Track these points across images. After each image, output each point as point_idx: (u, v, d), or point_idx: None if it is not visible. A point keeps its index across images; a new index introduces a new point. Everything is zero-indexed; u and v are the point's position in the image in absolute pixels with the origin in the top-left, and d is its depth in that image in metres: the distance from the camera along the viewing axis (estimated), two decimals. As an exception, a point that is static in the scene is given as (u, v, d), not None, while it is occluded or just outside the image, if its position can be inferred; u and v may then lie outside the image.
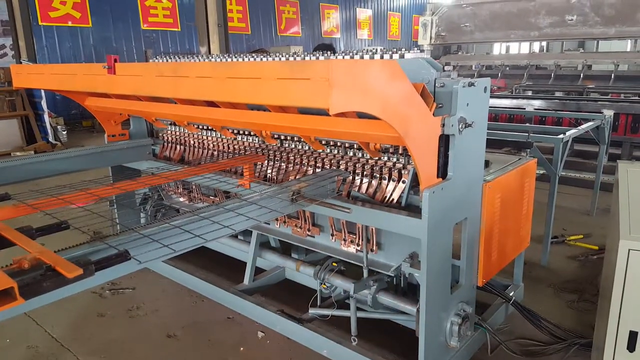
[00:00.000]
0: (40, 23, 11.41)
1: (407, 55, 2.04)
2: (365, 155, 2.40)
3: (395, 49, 2.09)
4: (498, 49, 15.53)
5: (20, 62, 10.06)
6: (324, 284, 2.69)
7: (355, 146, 2.45)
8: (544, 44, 14.20)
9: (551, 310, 2.96)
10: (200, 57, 2.99)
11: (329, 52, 2.41)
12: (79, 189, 2.15)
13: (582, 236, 4.13)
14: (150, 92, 2.25)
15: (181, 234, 1.57)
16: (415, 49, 2.28)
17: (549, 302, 3.11)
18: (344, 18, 19.45)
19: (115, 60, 2.22)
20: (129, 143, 3.42)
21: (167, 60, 2.96)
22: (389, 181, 2.29)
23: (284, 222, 2.87)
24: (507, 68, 9.37)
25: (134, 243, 1.46)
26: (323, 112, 2.05)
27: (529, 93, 7.79)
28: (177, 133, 3.41)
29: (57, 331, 2.92)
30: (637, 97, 6.91)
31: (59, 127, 9.43)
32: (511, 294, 2.84)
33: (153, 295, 3.32)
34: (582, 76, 8.38)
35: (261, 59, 2.47)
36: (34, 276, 1.15)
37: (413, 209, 2.17)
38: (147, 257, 1.44)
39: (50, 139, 9.04)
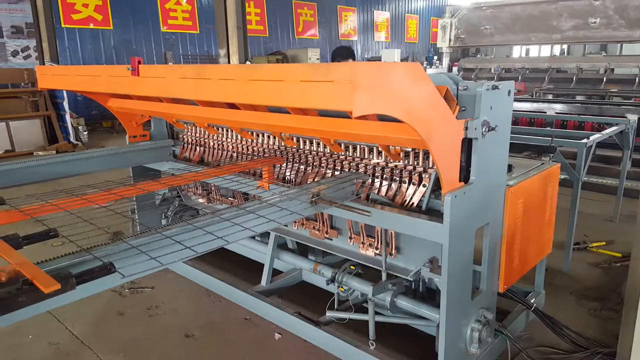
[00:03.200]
0: (63, 25, 11.64)
1: (429, 71, 2.02)
2: (385, 158, 2.39)
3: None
4: (518, 51, 15.35)
5: (44, 64, 10.27)
6: (342, 287, 2.68)
7: (375, 149, 2.43)
8: (565, 46, 14.00)
9: (573, 318, 2.90)
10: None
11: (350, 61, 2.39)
12: (102, 189, 2.18)
13: (604, 243, 4.05)
14: (173, 93, 2.28)
15: (203, 235, 1.57)
16: (437, 62, 2.26)
17: (571, 310, 3.05)
18: (362, 20, 19.43)
19: (139, 62, 2.25)
20: (150, 144, 3.46)
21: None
22: (409, 184, 2.27)
23: (302, 224, 2.87)
24: (528, 71, 9.25)
25: (157, 244, 1.47)
26: (344, 115, 2.05)
27: (550, 97, 7.68)
28: (197, 134, 3.43)
29: (78, 328, 2.96)
30: (662, 102, 6.76)
31: (80, 127, 9.61)
32: (532, 301, 2.78)
33: (172, 294, 3.35)
34: (604, 80, 8.23)
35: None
36: (9, 290, 1.08)
37: (434, 213, 2.15)
38: (167, 259, 1.43)
39: (72, 139, 9.21)
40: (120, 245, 1.44)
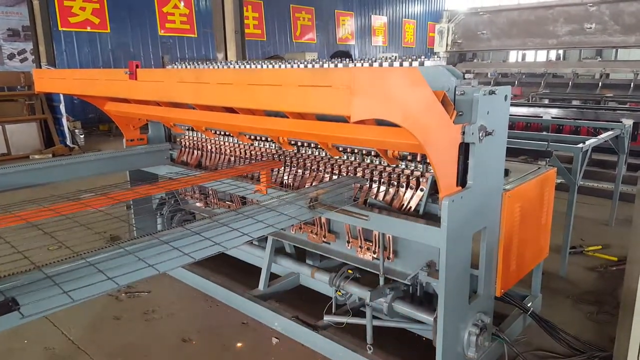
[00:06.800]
0: (60, 28, 11.63)
1: (427, 63, 2.03)
2: (382, 162, 2.39)
3: (415, 56, 2.08)
4: (514, 56, 15.41)
5: (40, 67, 10.24)
6: (339, 291, 2.67)
7: (372, 153, 2.44)
8: (561, 52, 14.05)
9: (570, 322, 2.91)
10: (218, 64, 3.02)
11: (347, 60, 2.41)
12: (99, 192, 2.18)
13: (600, 247, 4.06)
14: (171, 97, 2.27)
15: (201, 241, 1.57)
16: (435, 56, 2.27)
17: (568, 314, 3.06)
18: (359, 25, 19.49)
19: (137, 66, 2.25)
20: (147, 148, 3.45)
21: (186, 67, 2.99)
22: (406, 189, 2.27)
23: (300, 228, 2.87)
24: (524, 76, 9.28)
25: (155, 250, 1.47)
26: (342, 119, 2.06)
27: (546, 101, 7.70)
28: (195, 138, 3.43)
29: (74, 333, 2.95)
30: (657, 107, 6.78)
31: (76, 130, 9.57)
32: (529, 305, 2.80)
33: (168, 299, 3.34)
34: (600, 85, 8.26)
35: (280, 66, 2.49)
36: None
37: (431, 217, 2.16)
38: (165, 266, 1.43)
39: (68, 142, 9.18)
40: (35, 274, 1.21)
